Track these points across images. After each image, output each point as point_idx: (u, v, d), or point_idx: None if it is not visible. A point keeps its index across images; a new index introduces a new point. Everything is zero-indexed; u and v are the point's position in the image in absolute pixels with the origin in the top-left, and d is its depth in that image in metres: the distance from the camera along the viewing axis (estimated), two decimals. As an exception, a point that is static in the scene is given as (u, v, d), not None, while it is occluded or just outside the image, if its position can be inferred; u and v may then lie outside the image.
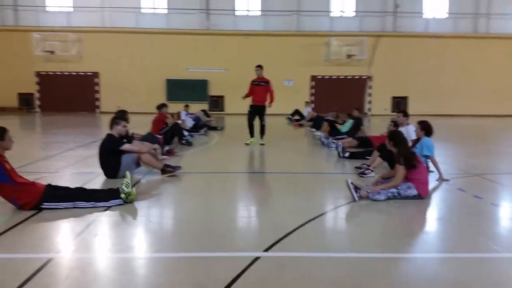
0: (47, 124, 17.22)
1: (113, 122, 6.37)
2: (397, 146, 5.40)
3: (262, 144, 10.14)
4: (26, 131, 14.99)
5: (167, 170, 6.40)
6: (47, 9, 24.60)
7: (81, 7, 24.21)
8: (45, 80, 24.42)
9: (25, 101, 24.54)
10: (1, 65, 24.04)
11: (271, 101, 10.35)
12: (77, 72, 24.44)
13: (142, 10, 24.76)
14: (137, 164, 6.48)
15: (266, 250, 3.49)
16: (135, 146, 6.53)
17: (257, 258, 3.31)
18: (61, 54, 23.77)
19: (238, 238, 3.86)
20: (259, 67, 10.28)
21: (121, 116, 6.80)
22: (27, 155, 8.30)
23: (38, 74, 24.35)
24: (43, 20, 24.26)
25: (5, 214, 4.37)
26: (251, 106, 10.36)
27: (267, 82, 10.22)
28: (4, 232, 3.85)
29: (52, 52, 23.64)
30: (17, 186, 4.39)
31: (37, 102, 24.64)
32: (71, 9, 24.41)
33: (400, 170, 5.12)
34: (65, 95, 24.25)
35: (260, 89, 10.18)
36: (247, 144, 10.23)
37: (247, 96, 10.47)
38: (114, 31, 24.11)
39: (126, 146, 6.26)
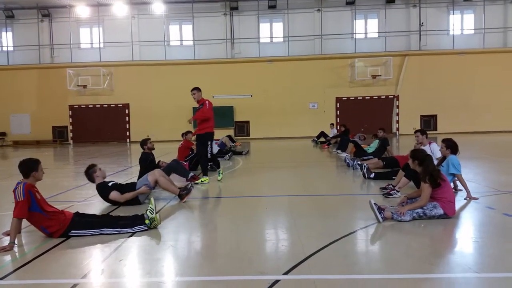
0: (79, 154, 17.83)
1: (87, 173, 6.36)
2: (422, 164, 5.30)
3: (196, 184, 8.05)
4: (58, 162, 15.56)
5: (182, 194, 6.50)
6: (81, 46, 25.97)
7: (111, 43, 25.40)
8: (78, 112, 25.45)
9: (59, 133, 25.62)
10: (38, 101, 25.33)
11: (194, 118, 8.59)
12: (108, 104, 25.39)
13: (170, 43, 25.71)
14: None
15: (286, 273, 3.48)
16: (119, 195, 6.25)
17: (276, 281, 3.30)
18: (93, 88, 24.84)
19: (259, 261, 3.85)
20: (195, 89, 8.49)
21: (91, 167, 6.45)
22: (59, 185, 8.63)
23: (71, 107, 25.44)
24: (76, 57, 25.58)
25: (36, 241, 4.56)
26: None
27: (203, 103, 8.48)
28: (34, 259, 4.02)
29: (84, 86, 24.75)
30: (47, 215, 4.58)
31: (70, 134, 25.65)
32: (102, 45, 25.63)
33: (426, 188, 5.01)
34: (97, 126, 25.17)
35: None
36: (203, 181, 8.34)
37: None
38: (143, 64, 25.09)
39: (112, 195, 6.22)
